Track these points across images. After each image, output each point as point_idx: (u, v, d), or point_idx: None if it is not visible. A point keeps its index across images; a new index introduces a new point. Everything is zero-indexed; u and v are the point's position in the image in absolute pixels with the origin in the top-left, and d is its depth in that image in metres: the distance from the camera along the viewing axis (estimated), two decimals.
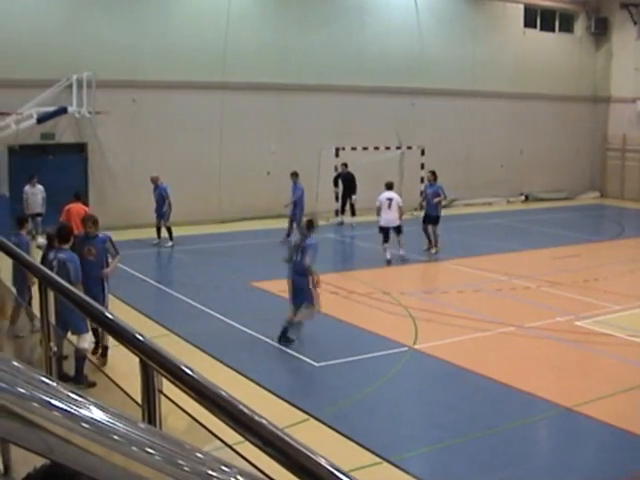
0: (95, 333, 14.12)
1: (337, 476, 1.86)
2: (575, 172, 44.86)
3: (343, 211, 33.47)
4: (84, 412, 1.55)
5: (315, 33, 35.11)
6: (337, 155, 34.43)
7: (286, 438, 2.10)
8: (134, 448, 1.54)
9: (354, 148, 35.01)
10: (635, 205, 41.08)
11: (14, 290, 14.66)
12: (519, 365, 15.35)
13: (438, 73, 38.24)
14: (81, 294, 4.41)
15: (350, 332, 17.39)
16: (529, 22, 42.72)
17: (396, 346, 16.21)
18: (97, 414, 1.56)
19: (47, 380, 1.61)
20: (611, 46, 44.95)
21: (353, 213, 32.98)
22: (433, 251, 26.21)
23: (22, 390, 1.53)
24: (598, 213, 40.60)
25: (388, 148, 36.67)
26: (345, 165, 32.88)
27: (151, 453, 1.54)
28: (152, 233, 27.62)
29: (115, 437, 1.54)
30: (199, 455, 1.59)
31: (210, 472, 1.55)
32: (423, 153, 36.74)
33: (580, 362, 15.90)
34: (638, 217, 39.18)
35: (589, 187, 45.82)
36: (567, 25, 44.66)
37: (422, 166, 35.61)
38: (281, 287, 21.21)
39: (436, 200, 26.50)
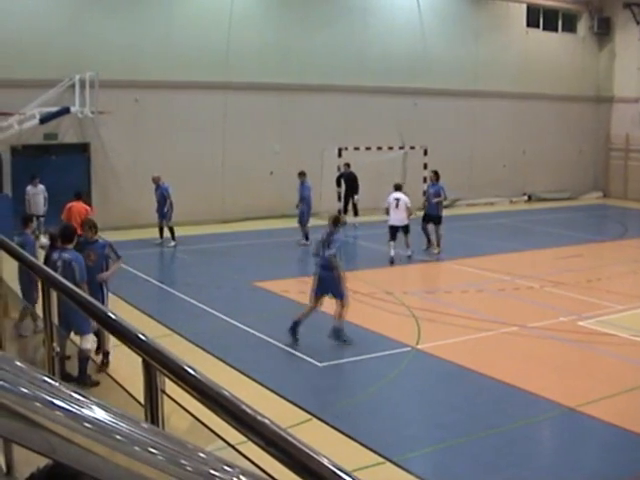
0: (97, 334, 14.09)
1: (340, 476, 1.86)
2: (578, 172, 44.84)
3: (346, 211, 33.43)
4: (87, 412, 1.55)
5: (318, 33, 35.11)
6: (340, 155, 34.39)
7: (289, 438, 2.10)
8: (137, 448, 1.54)
9: (357, 148, 34.98)
10: (638, 205, 41.02)
11: (19, 290, 14.71)
12: (522, 365, 15.34)
13: (441, 73, 38.24)
14: (84, 294, 4.41)
15: (353, 332, 17.34)
16: (532, 22, 42.70)
17: (399, 346, 16.21)
18: (100, 414, 1.56)
19: (50, 380, 1.61)
20: (614, 46, 44.93)
21: (356, 213, 32.97)
22: (435, 251, 26.20)
23: (25, 390, 1.53)
24: (601, 213, 40.57)
25: (391, 148, 36.65)
26: (347, 165, 32.87)
27: (154, 453, 1.54)
28: (155, 233, 27.64)
29: (118, 437, 1.54)
30: (201, 455, 1.59)
31: (212, 472, 1.55)
32: (426, 153, 36.68)
33: (583, 362, 15.90)
34: None
35: (592, 187, 45.80)
36: (570, 25, 44.64)
37: (425, 166, 35.54)
38: (284, 287, 21.29)
39: (435, 200, 26.55)
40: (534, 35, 42.61)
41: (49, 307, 5.49)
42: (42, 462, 1.77)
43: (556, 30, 44.07)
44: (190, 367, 2.84)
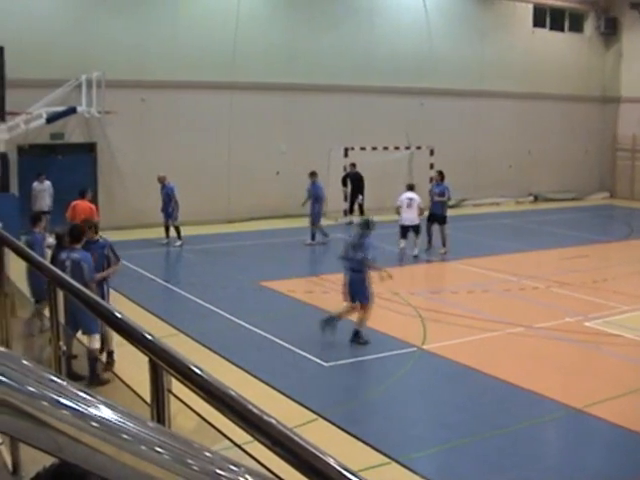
0: (101, 333, 14.04)
1: (346, 476, 1.86)
2: (584, 172, 44.78)
3: (352, 211, 33.47)
4: (93, 411, 1.56)
5: (324, 33, 35.10)
6: (346, 155, 34.43)
7: (295, 438, 2.10)
8: (143, 447, 1.54)
9: (363, 148, 35.01)
10: None
11: (27, 289, 14.74)
12: (528, 365, 15.32)
13: (447, 73, 38.21)
14: (91, 294, 4.42)
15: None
16: (538, 22, 42.64)
17: (405, 346, 16.20)
18: (106, 413, 1.57)
19: (57, 379, 1.61)
20: (621, 46, 44.86)
21: (362, 213, 32.97)
22: (442, 251, 26.18)
23: (32, 389, 1.53)
24: (607, 213, 40.51)
25: (397, 148, 36.68)
26: (353, 165, 32.90)
27: (160, 452, 1.55)
28: (161, 232, 27.66)
29: (124, 436, 1.54)
30: (208, 454, 1.59)
31: (219, 471, 1.55)
32: (432, 153, 36.70)
33: (589, 363, 15.89)
34: None
35: (598, 187, 45.73)
36: (577, 25, 44.56)
37: (431, 166, 35.53)
38: (290, 287, 21.29)
39: (437, 199, 26.59)
40: (540, 35, 42.56)
41: (55, 306, 5.50)
42: (48, 461, 1.78)
43: (563, 30, 44.01)
44: (196, 367, 2.85)
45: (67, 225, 19.48)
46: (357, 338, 16.35)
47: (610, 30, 44.53)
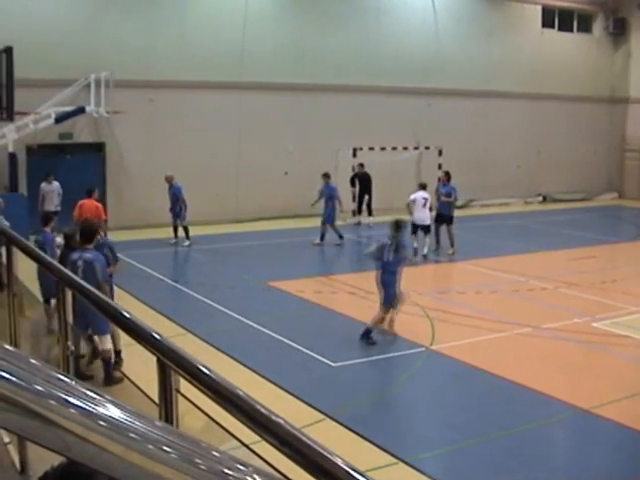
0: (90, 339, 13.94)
1: (354, 476, 1.86)
2: (593, 173, 44.74)
3: (360, 211, 33.48)
4: (102, 410, 1.56)
5: (332, 33, 35.12)
6: (354, 155, 34.44)
7: (303, 438, 2.10)
8: (151, 446, 1.54)
9: (371, 148, 35.03)
10: None
11: (39, 289, 14.79)
12: (536, 366, 15.30)
13: (455, 73, 38.19)
14: (100, 294, 4.42)
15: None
16: (547, 22, 42.62)
17: (413, 346, 16.19)
18: (114, 412, 1.57)
19: (65, 378, 1.61)
20: (629, 46, 44.80)
21: (370, 213, 32.98)
22: (450, 252, 26.16)
23: (40, 388, 1.54)
24: (616, 214, 40.45)
25: (405, 148, 36.71)
26: (361, 165, 32.90)
27: (168, 452, 1.55)
28: (169, 232, 27.69)
29: (132, 435, 1.54)
30: (215, 454, 1.59)
31: (226, 471, 1.55)
32: (440, 153, 36.71)
33: (597, 364, 15.85)
34: None
35: (607, 188, 45.68)
36: (585, 25, 44.53)
37: (439, 166, 35.52)
38: (298, 287, 21.29)
39: (444, 200, 26.60)
40: (549, 35, 42.53)
41: (64, 306, 5.51)
42: (56, 460, 1.78)
43: (571, 30, 43.98)
44: (204, 366, 2.85)
45: (75, 225, 19.58)
46: (368, 337, 16.38)
47: (619, 30, 44.50)
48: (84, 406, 1.55)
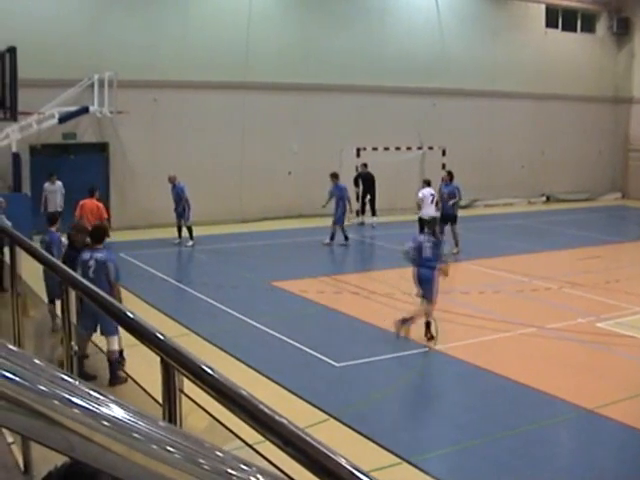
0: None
1: (357, 476, 1.86)
2: (597, 173, 44.72)
3: (363, 211, 33.48)
4: (105, 410, 1.56)
5: (336, 33, 35.11)
6: (358, 155, 34.47)
7: (306, 438, 2.10)
8: (154, 446, 1.54)
9: (375, 148, 35.05)
10: None
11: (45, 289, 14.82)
12: (539, 366, 15.29)
13: (459, 73, 38.17)
14: (104, 294, 4.43)
15: (370, 332, 17.39)
16: (551, 22, 42.60)
17: (416, 347, 16.19)
18: (118, 412, 1.57)
19: (69, 378, 1.61)
20: (633, 46, 44.76)
21: (373, 213, 32.97)
22: (455, 251, 26.16)
23: (44, 388, 1.54)
24: (620, 214, 40.41)
25: (409, 148, 36.74)
26: (365, 165, 32.90)
27: (171, 452, 1.55)
28: (173, 232, 27.70)
29: (136, 435, 1.54)
30: (219, 454, 1.59)
31: (230, 471, 1.55)
32: (444, 153, 36.75)
33: (601, 364, 15.84)
34: None
35: (611, 188, 45.66)
36: (589, 25, 44.49)
37: (443, 166, 35.56)
38: (302, 287, 21.29)
39: (451, 202, 26.63)
40: (553, 35, 42.49)
41: (68, 306, 5.51)
42: (60, 460, 1.78)
43: (575, 30, 43.95)
44: (208, 367, 2.85)
45: (76, 225, 19.60)
46: (403, 326, 16.59)
47: (622, 30, 44.46)
48: (88, 406, 1.55)
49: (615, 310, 19.21)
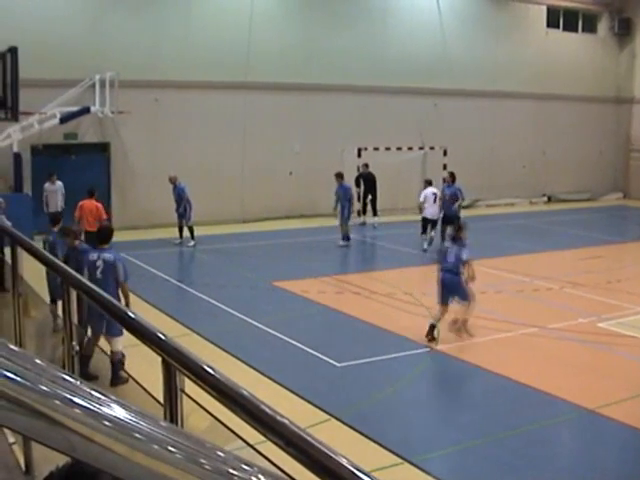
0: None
1: (359, 476, 1.86)
2: (598, 173, 44.70)
3: (365, 211, 33.46)
4: (107, 410, 1.56)
5: (338, 34, 35.09)
6: (359, 155, 34.46)
7: (308, 438, 2.10)
8: (156, 446, 1.54)
9: (376, 148, 35.05)
10: None
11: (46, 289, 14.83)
12: (541, 366, 15.29)
13: (461, 74, 38.14)
14: (105, 294, 4.43)
15: (372, 332, 17.39)
16: (552, 23, 42.57)
17: (417, 347, 16.19)
18: (119, 412, 1.57)
19: (70, 378, 1.61)
20: (635, 46, 44.74)
21: (375, 213, 32.96)
22: None
23: (45, 388, 1.54)
24: (621, 214, 40.41)
25: (410, 148, 36.73)
26: (366, 165, 32.87)
27: (173, 452, 1.55)
28: (174, 232, 27.71)
29: (137, 435, 1.54)
30: (220, 454, 1.59)
31: (231, 471, 1.55)
32: (445, 154, 36.74)
33: (602, 364, 15.84)
34: None
35: (612, 188, 45.64)
36: (590, 25, 44.46)
37: (444, 166, 35.57)
38: (303, 287, 21.30)
39: (457, 204, 26.63)
40: (554, 36, 42.47)
41: (69, 306, 5.51)
42: (61, 460, 1.78)
43: (576, 31, 43.92)
44: (209, 367, 2.85)
45: (76, 225, 19.64)
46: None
47: (624, 30, 44.44)
48: (89, 406, 1.55)
49: (617, 310, 19.21)
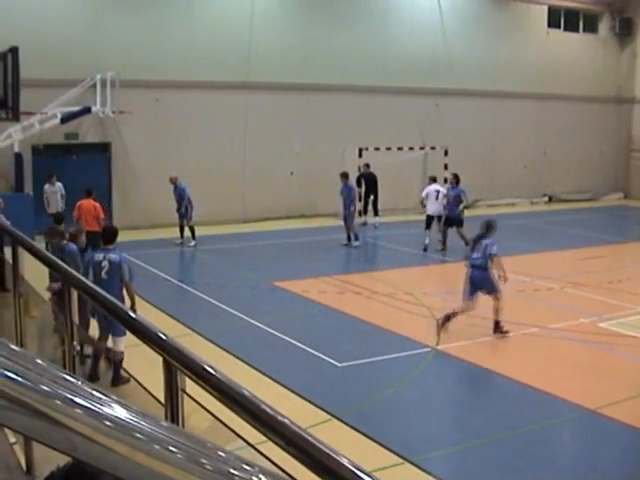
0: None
1: (359, 476, 1.86)
2: (599, 173, 44.69)
3: (366, 211, 33.46)
4: (108, 410, 1.56)
5: (339, 34, 35.08)
6: (360, 155, 34.44)
7: (309, 438, 2.10)
8: (157, 446, 1.54)
9: (377, 148, 35.03)
10: None
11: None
12: (542, 366, 15.28)
13: (462, 74, 38.13)
14: (106, 294, 4.42)
15: (373, 332, 17.39)
16: (553, 22, 42.56)
17: (419, 347, 16.19)
18: (121, 412, 1.57)
19: (71, 378, 1.61)
20: (635, 46, 44.74)
21: (376, 213, 32.94)
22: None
23: (46, 388, 1.54)
24: (622, 214, 40.40)
25: (411, 148, 36.72)
26: (367, 165, 32.86)
27: (174, 452, 1.55)
28: (175, 232, 27.72)
29: (138, 435, 1.54)
30: (221, 454, 1.59)
31: (232, 471, 1.55)
32: (446, 154, 36.72)
33: (603, 364, 15.83)
34: None
35: (613, 188, 45.62)
36: (591, 25, 44.44)
37: (445, 166, 35.60)
38: (304, 287, 21.30)
39: (461, 207, 26.59)
40: (555, 36, 42.46)
41: (70, 306, 5.51)
42: (62, 460, 1.78)
43: (577, 31, 43.90)
44: (210, 366, 2.85)
45: (76, 225, 19.62)
46: (499, 328, 16.93)
47: (625, 30, 44.43)
48: (90, 406, 1.55)
49: (617, 310, 19.20)
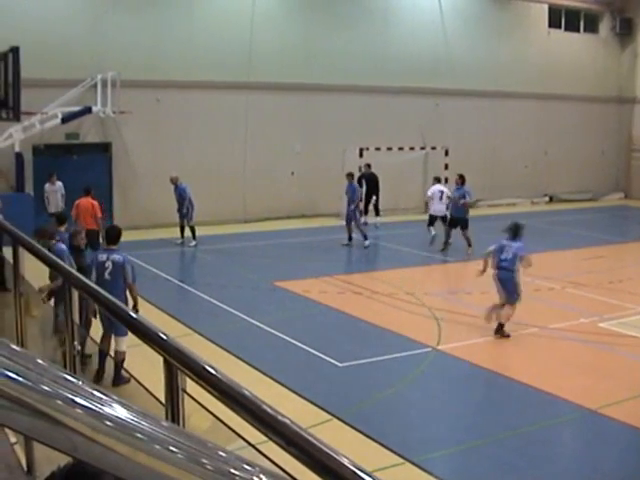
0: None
1: (360, 476, 1.86)
2: (600, 173, 44.65)
3: (367, 211, 33.43)
4: (108, 410, 1.56)
5: (340, 34, 35.06)
6: (361, 155, 34.41)
7: (309, 438, 2.10)
8: (157, 446, 1.54)
9: (378, 148, 35.00)
10: None
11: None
12: (543, 366, 15.29)
13: (462, 74, 38.11)
14: (106, 294, 4.43)
15: (373, 332, 17.39)
16: (554, 22, 42.52)
17: (419, 347, 16.19)
18: (121, 412, 1.57)
19: (72, 378, 1.61)
20: (636, 46, 44.69)
21: (377, 213, 32.93)
22: (469, 252, 25.92)
23: (47, 388, 1.54)
24: (623, 214, 40.39)
25: (412, 148, 36.69)
26: (368, 166, 32.84)
27: (174, 452, 1.55)
28: (176, 232, 27.71)
29: (139, 435, 1.54)
30: (222, 454, 1.59)
31: (233, 471, 1.55)
32: (447, 154, 36.69)
33: (604, 364, 15.83)
34: None
35: (614, 188, 45.60)
36: (592, 25, 44.41)
37: (446, 166, 35.57)
38: (305, 287, 21.29)
39: (461, 202, 26.56)
40: (556, 36, 42.44)
41: (70, 306, 5.51)
42: (62, 460, 1.78)
43: (578, 31, 43.87)
44: (211, 366, 2.85)
45: (75, 225, 19.64)
46: (502, 331, 16.92)
47: (625, 30, 44.39)
48: (91, 406, 1.55)
49: (618, 310, 19.20)
